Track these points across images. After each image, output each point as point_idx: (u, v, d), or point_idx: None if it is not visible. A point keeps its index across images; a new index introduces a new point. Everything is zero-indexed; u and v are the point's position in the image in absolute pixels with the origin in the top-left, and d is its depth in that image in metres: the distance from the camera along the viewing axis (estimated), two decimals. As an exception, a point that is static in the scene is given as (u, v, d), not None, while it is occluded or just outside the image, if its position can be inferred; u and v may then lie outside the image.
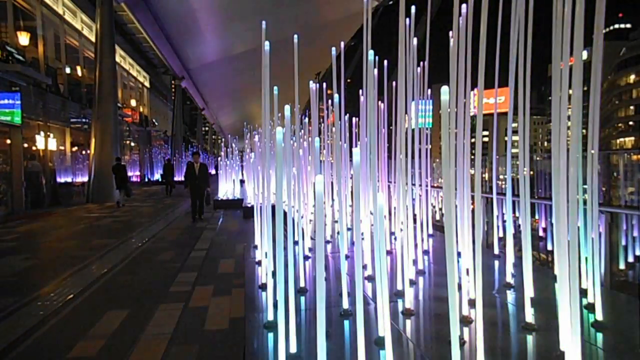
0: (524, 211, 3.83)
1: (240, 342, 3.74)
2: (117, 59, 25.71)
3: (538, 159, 11.93)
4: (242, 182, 20.09)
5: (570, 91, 2.66)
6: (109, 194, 18.50)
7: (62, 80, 21.76)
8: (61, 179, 19.76)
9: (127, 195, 17.20)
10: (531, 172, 9.93)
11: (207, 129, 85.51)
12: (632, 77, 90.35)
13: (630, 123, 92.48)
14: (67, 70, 22.73)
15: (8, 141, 16.07)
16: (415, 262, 4.91)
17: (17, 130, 15.93)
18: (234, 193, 17.96)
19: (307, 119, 9.49)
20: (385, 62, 5.61)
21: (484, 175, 10.68)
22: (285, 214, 3.30)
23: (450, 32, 4.19)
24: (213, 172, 28.58)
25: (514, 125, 4.16)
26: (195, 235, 10.20)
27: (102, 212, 15.39)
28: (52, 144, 19.47)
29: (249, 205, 11.86)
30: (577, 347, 2.38)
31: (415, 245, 5.10)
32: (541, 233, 8.95)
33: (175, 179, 27.43)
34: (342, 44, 7.39)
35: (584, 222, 3.89)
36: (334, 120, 5.24)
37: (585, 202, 3.98)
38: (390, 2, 36.03)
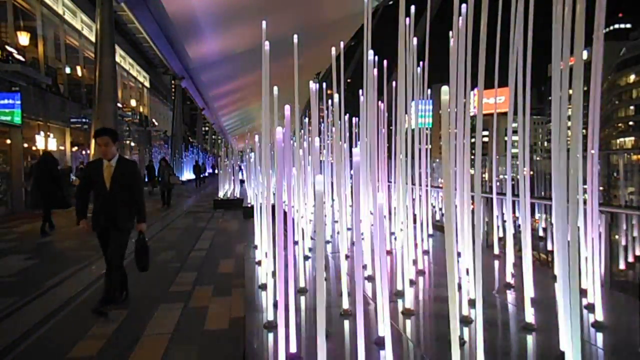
0: (524, 211, 3.83)
1: (240, 342, 3.73)
2: (117, 59, 25.68)
3: (538, 159, 11.92)
4: (242, 182, 20.08)
5: (570, 91, 2.65)
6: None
7: (62, 80, 21.74)
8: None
9: (153, 187, 21.98)
10: (531, 172, 9.92)
11: (207, 129, 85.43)
12: (632, 77, 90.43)
13: (630, 123, 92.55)
14: (67, 70, 22.70)
15: (8, 141, 16.06)
16: (415, 262, 4.91)
17: (17, 130, 15.92)
18: (234, 193, 17.94)
19: (307, 119, 9.49)
20: (385, 62, 5.60)
21: (483, 175, 10.68)
22: (285, 214, 3.29)
23: (450, 32, 4.19)
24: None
25: (514, 125, 4.16)
26: (195, 236, 10.20)
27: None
28: (52, 144, 19.45)
29: (249, 205, 11.86)
30: (577, 347, 2.38)
31: (415, 245, 5.09)
32: (541, 233, 8.93)
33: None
34: (342, 44, 7.38)
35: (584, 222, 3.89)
36: (334, 120, 5.24)
37: (585, 202, 3.98)
38: (391, 2, 36.03)
